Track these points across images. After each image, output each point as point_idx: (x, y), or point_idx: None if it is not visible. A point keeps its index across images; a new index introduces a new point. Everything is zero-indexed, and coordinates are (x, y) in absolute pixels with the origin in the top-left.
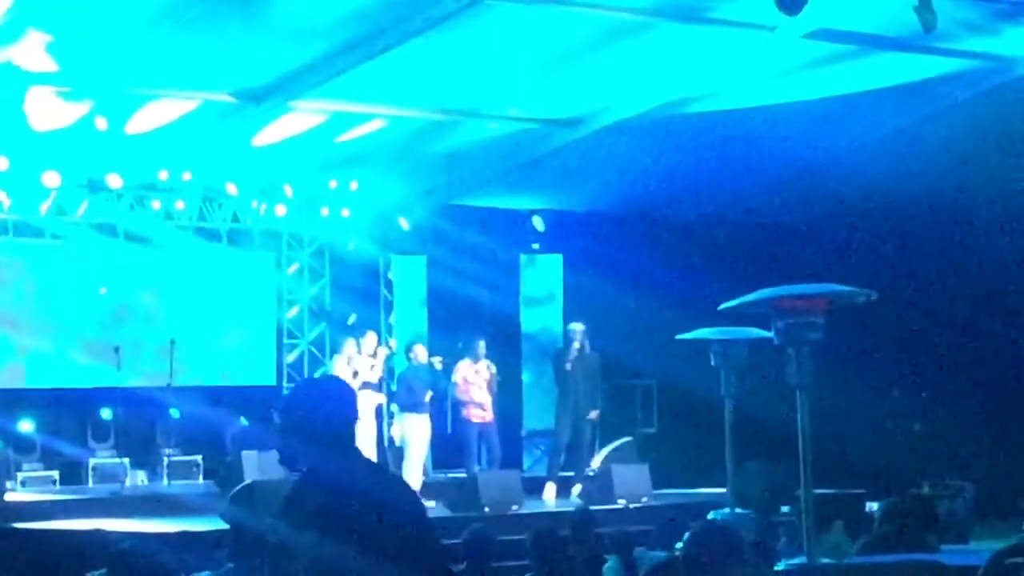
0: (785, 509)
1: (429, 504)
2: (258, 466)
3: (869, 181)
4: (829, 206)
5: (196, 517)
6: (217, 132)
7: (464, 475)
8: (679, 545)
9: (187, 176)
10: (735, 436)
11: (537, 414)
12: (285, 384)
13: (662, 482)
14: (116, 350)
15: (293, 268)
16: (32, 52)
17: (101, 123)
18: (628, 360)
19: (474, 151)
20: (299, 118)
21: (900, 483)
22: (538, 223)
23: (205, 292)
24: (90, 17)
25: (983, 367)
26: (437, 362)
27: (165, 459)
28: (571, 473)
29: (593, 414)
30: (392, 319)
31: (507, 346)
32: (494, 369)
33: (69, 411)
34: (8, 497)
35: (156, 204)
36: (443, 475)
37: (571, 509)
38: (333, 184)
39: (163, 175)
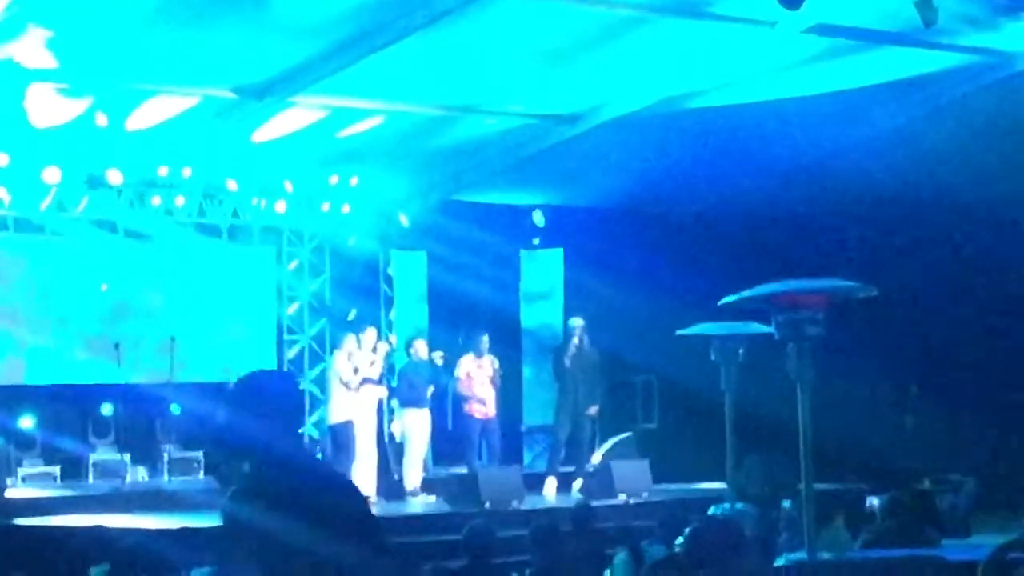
0: (786, 504)
1: (429, 499)
2: None
3: (869, 176)
4: (829, 201)
5: (196, 513)
6: (217, 128)
7: (465, 471)
8: (680, 540)
9: (187, 172)
10: (735, 431)
11: (537, 410)
12: None
13: (662, 477)
14: (116, 346)
15: (293, 264)
16: (32, 48)
17: (101, 119)
18: (628, 355)
19: (474, 147)
20: (299, 114)
21: (901, 478)
22: (538, 219)
23: (205, 288)
24: (90, 13)
25: (984, 362)
26: (438, 357)
27: (166, 455)
28: (571, 468)
29: (593, 409)
30: (392, 315)
31: (507, 342)
32: (497, 364)
33: (70, 407)
34: (9, 493)
35: (156, 200)
36: (444, 470)
37: (571, 505)
38: (333, 180)
39: (163, 171)
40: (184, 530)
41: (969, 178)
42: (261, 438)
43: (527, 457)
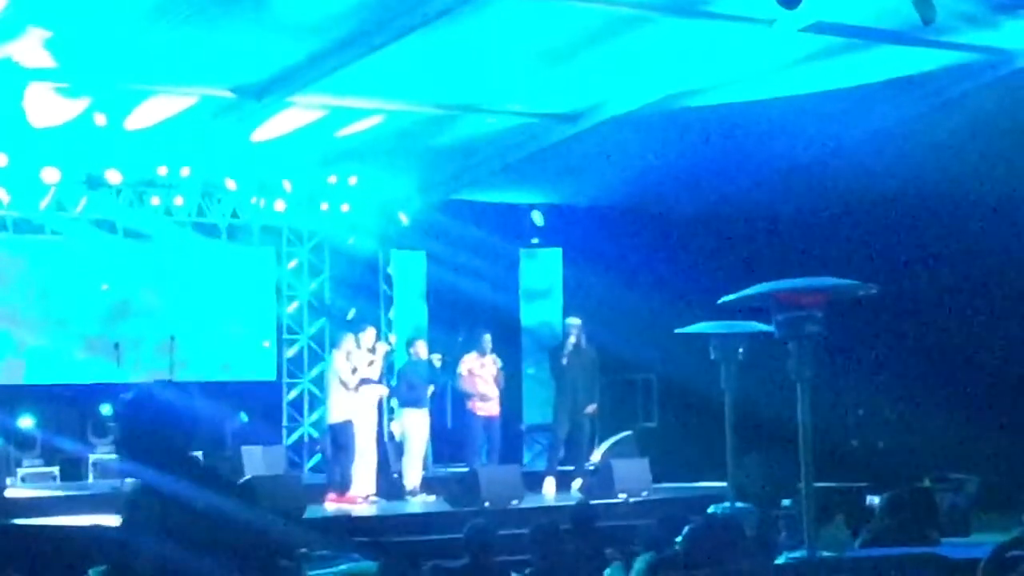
0: (786, 503)
1: (429, 499)
2: (258, 461)
3: (868, 174)
4: (828, 199)
5: None
6: (216, 128)
7: (465, 469)
8: (679, 539)
9: (186, 172)
10: (735, 430)
11: (537, 409)
12: (285, 379)
13: (662, 476)
14: (116, 346)
15: (293, 263)
16: (31, 48)
17: (100, 119)
18: (628, 354)
19: (474, 146)
20: (298, 113)
21: (901, 476)
22: (537, 218)
23: (205, 287)
24: (89, 13)
25: (984, 360)
26: (436, 360)
27: None
28: (571, 468)
29: (591, 408)
30: (392, 314)
31: (507, 341)
32: (500, 363)
33: (69, 407)
34: (8, 493)
35: (155, 200)
36: (443, 470)
37: (571, 503)
38: (332, 179)
39: (162, 171)
40: None
41: (968, 176)
42: (152, 449)
43: (527, 456)
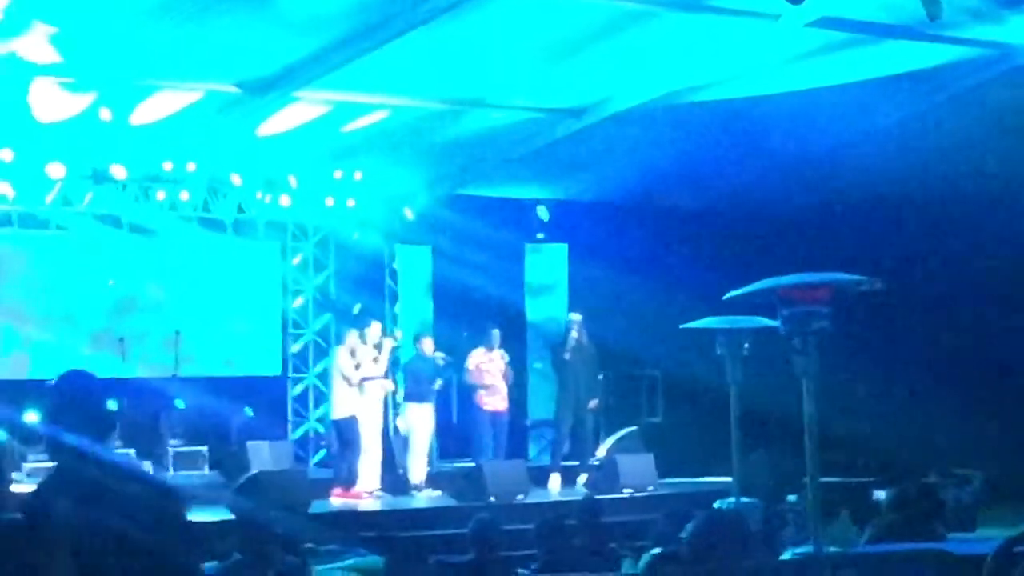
0: (791, 498)
1: (434, 494)
2: (263, 456)
3: (874, 169)
4: (834, 195)
5: (202, 508)
6: (221, 123)
7: (471, 464)
8: (684, 534)
9: (191, 167)
10: (741, 425)
11: (542, 404)
12: (290, 374)
13: (667, 471)
14: (121, 341)
15: (298, 258)
16: (36, 43)
17: (105, 114)
18: (633, 349)
19: (479, 141)
20: (304, 108)
21: (907, 472)
22: (543, 213)
23: (210, 283)
24: (94, 8)
25: (991, 356)
26: (439, 358)
27: (170, 450)
28: (575, 463)
29: (593, 403)
30: (397, 309)
31: (512, 336)
32: (507, 359)
33: None
34: (14, 488)
35: (161, 195)
36: (449, 465)
37: (577, 498)
38: (338, 174)
39: (167, 166)
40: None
41: (974, 171)
42: (70, 436)
43: (532, 451)
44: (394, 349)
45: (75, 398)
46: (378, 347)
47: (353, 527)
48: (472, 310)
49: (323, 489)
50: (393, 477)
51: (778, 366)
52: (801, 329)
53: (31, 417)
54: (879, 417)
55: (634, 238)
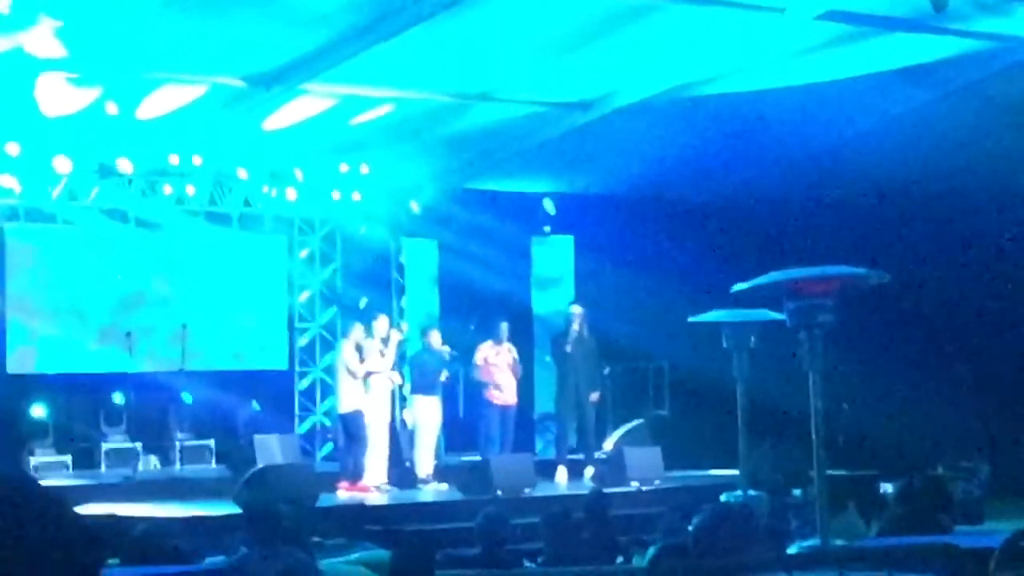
0: (798, 491)
1: (441, 487)
2: (270, 450)
3: (881, 163)
4: (840, 188)
5: (209, 501)
6: (227, 116)
7: (477, 458)
8: (691, 527)
9: (198, 161)
10: (747, 418)
11: (549, 397)
12: (297, 368)
13: (674, 464)
14: (128, 335)
15: (304, 252)
16: (42, 38)
17: (111, 108)
18: (640, 342)
19: (486, 134)
20: (310, 102)
21: (914, 464)
22: (549, 206)
23: (216, 277)
24: (100, 2)
25: (998, 348)
26: (445, 352)
27: (178, 443)
28: (580, 456)
29: (594, 396)
30: (403, 303)
31: (519, 329)
32: (515, 353)
33: (81, 396)
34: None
35: (167, 189)
36: (456, 458)
37: (584, 492)
38: (344, 168)
39: (174, 160)
40: (196, 518)
41: (983, 164)
42: None
43: (539, 444)
44: (401, 343)
45: None
46: (385, 341)
47: (359, 521)
48: (478, 303)
49: (330, 483)
50: (400, 471)
51: (785, 359)
52: (807, 322)
53: (38, 411)
54: (887, 409)
55: (641, 231)
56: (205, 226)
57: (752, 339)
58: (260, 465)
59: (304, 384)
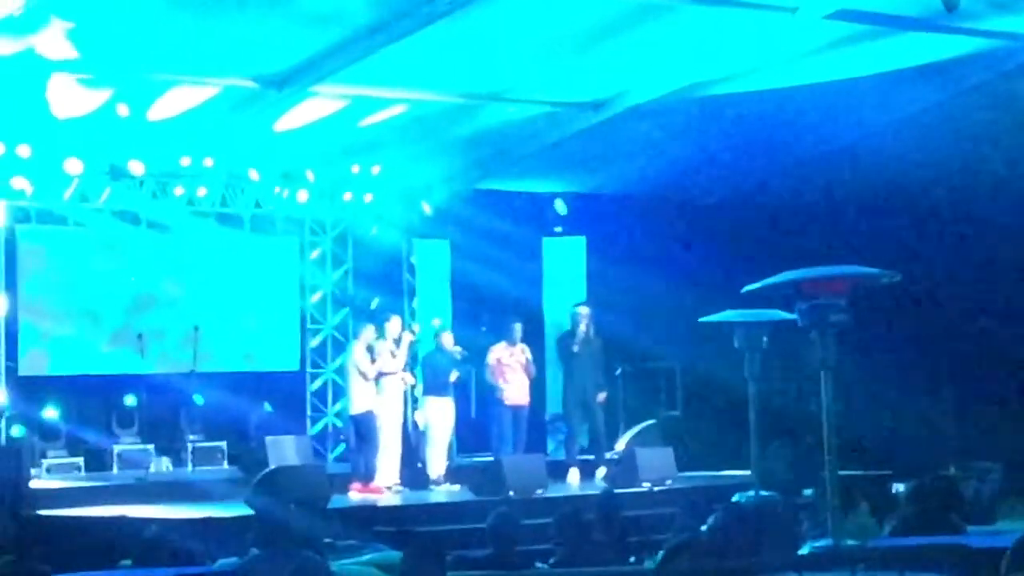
0: (810, 491)
1: (453, 488)
2: (282, 452)
3: (892, 162)
4: (852, 188)
5: (221, 503)
6: (239, 118)
7: (489, 459)
8: (705, 527)
9: (209, 162)
10: (759, 418)
11: (560, 398)
12: (309, 369)
13: (686, 465)
14: (139, 337)
15: (316, 254)
16: (53, 40)
17: (123, 110)
18: (652, 342)
19: (497, 135)
20: (321, 103)
21: (926, 464)
22: (560, 207)
23: (228, 278)
24: (111, 4)
25: (1010, 348)
26: (457, 352)
27: (189, 445)
28: (591, 457)
29: (601, 396)
30: (415, 304)
31: (530, 330)
32: (529, 353)
33: (93, 398)
34: (33, 484)
35: (178, 191)
36: (468, 459)
37: (596, 493)
38: (355, 169)
39: (185, 162)
40: (208, 520)
41: (996, 163)
42: None
43: (550, 445)
44: (412, 344)
45: None
46: (397, 342)
47: (371, 522)
48: (490, 304)
49: (341, 484)
50: (412, 471)
51: (797, 359)
52: (819, 322)
53: (50, 413)
54: (898, 409)
55: (652, 231)
56: (216, 228)
57: (764, 339)
58: (272, 467)
59: (316, 385)
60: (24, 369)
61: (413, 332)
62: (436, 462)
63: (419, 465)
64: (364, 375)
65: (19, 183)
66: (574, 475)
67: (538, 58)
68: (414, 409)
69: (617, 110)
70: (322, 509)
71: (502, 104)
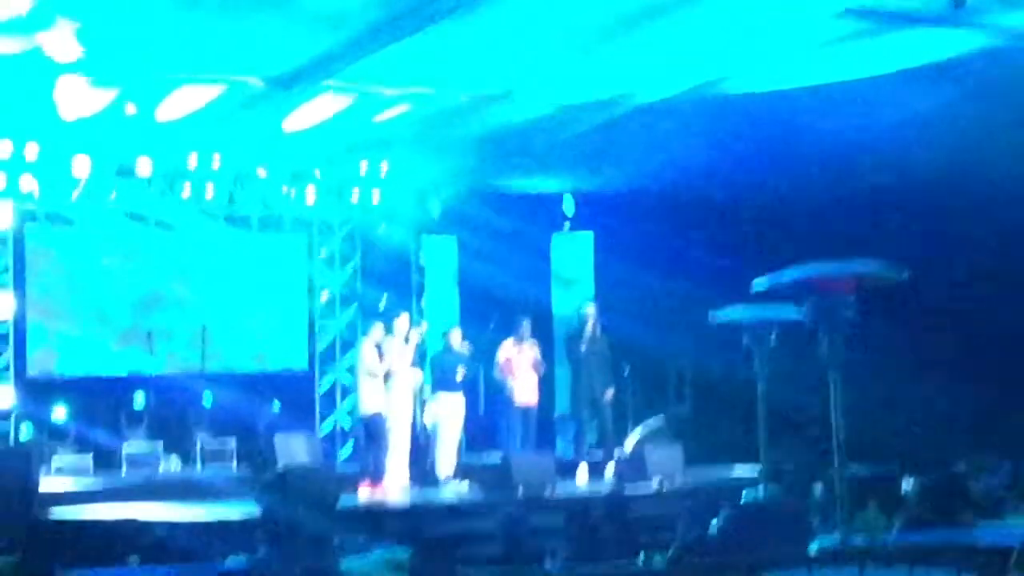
0: (819, 488)
1: (462, 486)
2: (291, 451)
3: (901, 160)
4: (860, 185)
5: (229, 502)
6: (246, 117)
7: (498, 457)
8: (714, 524)
9: (217, 162)
10: (768, 415)
11: (569, 396)
12: (317, 369)
13: (695, 462)
14: (148, 336)
15: (324, 253)
16: (61, 39)
17: (130, 109)
18: (660, 340)
19: (505, 133)
20: (329, 102)
21: (935, 461)
22: (568, 204)
23: (236, 278)
24: (118, 3)
25: (1019, 344)
26: (464, 348)
27: (198, 444)
28: (601, 455)
29: (609, 394)
30: (423, 302)
31: (538, 327)
32: (538, 350)
33: (102, 398)
34: (42, 484)
35: (186, 190)
36: (476, 458)
37: (604, 491)
38: (363, 168)
39: (193, 161)
40: (217, 519)
41: (1004, 161)
42: None
43: (559, 443)
44: (421, 341)
45: None
46: (406, 339)
47: (380, 521)
48: (498, 302)
49: (351, 483)
50: (421, 470)
51: (805, 356)
52: (827, 319)
53: (59, 413)
54: (907, 406)
55: (661, 229)
56: (224, 227)
57: (772, 336)
58: (281, 466)
59: (325, 385)
60: (32, 369)
61: (421, 330)
62: (445, 460)
63: (428, 464)
64: (373, 374)
65: (27, 183)
66: (583, 473)
67: (546, 56)
68: (423, 409)
69: (625, 108)
70: (331, 508)
71: (510, 102)
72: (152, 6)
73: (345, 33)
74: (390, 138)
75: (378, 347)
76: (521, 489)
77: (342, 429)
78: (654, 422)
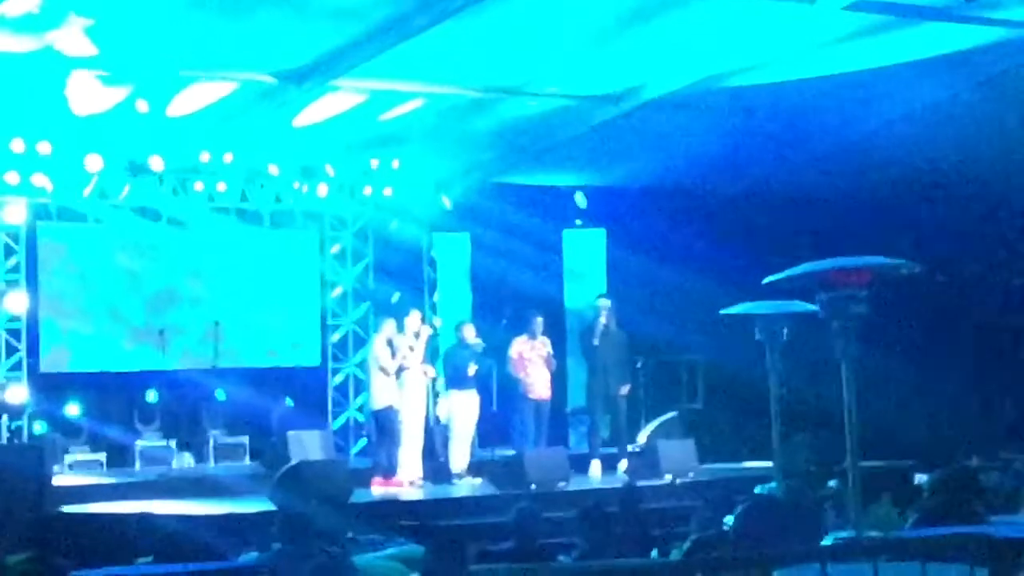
0: (832, 483)
1: (475, 482)
2: (304, 446)
3: (912, 153)
4: (871, 178)
5: (243, 498)
6: (258, 113)
7: (511, 453)
8: (728, 519)
9: (229, 158)
10: (780, 410)
11: (582, 391)
12: (330, 364)
13: (708, 457)
14: (161, 333)
15: (336, 248)
16: (73, 36)
17: (142, 106)
18: (672, 335)
19: (516, 128)
20: (340, 98)
21: (949, 455)
22: (580, 200)
23: (248, 274)
24: (130, 0)
25: None
26: (477, 345)
27: (211, 441)
28: (614, 450)
29: (624, 389)
30: (436, 298)
31: (550, 323)
32: (550, 346)
33: (115, 394)
34: (55, 481)
35: (198, 186)
36: (490, 453)
37: (618, 485)
38: (375, 164)
39: (205, 157)
40: (230, 515)
41: (1013, 154)
42: None
43: (572, 438)
44: (432, 337)
45: None
46: (417, 335)
47: (393, 516)
48: (511, 298)
49: (364, 478)
50: (434, 465)
51: (817, 351)
52: (840, 313)
53: (72, 410)
54: (921, 400)
55: (672, 223)
56: (236, 223)
57: (785, 331)
58: (294, 462)
59: (337, 380)
60: (46, 366)
61: (434, 326)
62: (459, 456)
63: (441, 459)
64: (385, 370)
65: (39, 180)
66: (596, 468)
67: (557, 51)
68: (436, 403)
69: (636, 103)
70: (344, 504)
71: (522, 98)
72: (164, 3)
73: (356, 29)
74: (402, 134)
75: (390, 343)
76: (534, 484)
77: (355, 424)
78: (667, 417)
